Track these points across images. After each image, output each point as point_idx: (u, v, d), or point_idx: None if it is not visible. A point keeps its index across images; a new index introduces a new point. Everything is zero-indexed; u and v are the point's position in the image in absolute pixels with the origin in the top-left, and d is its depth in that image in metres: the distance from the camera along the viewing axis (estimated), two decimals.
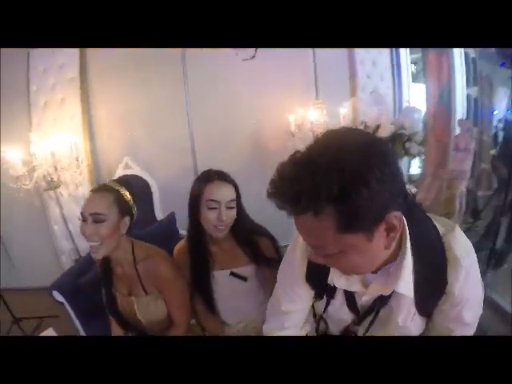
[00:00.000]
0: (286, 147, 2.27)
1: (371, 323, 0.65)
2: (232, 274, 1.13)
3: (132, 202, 1.01)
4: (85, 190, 2.23)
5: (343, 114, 2.01)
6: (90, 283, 1.54)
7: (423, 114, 1.89)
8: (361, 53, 2.52)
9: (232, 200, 1.05)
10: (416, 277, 0.55)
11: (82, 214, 0.94)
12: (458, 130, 2.32)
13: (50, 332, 1.28)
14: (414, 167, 2.66)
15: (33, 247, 2.39)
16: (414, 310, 0.61)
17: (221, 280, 1.13)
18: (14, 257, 2.41)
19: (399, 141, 1.82)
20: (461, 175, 1.59)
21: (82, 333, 1.61)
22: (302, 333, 0.79)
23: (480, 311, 0.63)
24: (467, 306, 0.59)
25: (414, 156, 1.87)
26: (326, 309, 0.70)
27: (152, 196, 2.04)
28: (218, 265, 1.13)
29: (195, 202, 1.06)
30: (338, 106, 2.19)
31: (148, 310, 1.05)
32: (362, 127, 1.97)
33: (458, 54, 2.27)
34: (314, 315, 0.78)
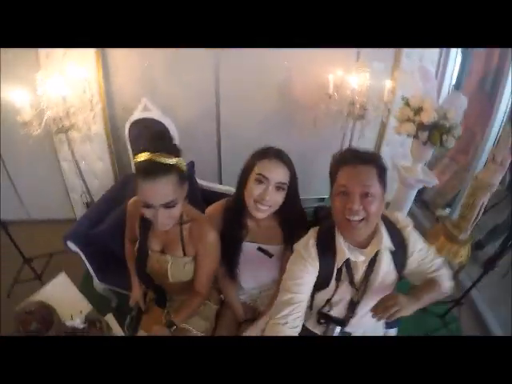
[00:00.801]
0: (320, 108, 2.14)
1: (365, 289, 0.94)
2: (260, 249, 1.16)
3: (185, 165, 0.96)
4: (98, 128, 2.08)
5: (388, 88, 1.84)
6: (105, 233, 1.55)
7: (467, 103, 1.74)
8: None
9: (282, 183, 1.03)
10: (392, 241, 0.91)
11: (145, 203, 0.89)
12: (495, 129, 2.21)
13: (62, 277, 1.31)
14: None
15: (42, 183, 2.33)
16: (392, 269, 0.94)
17: (246, 251, 1.16)
18: (21, 193, 2.37)
19: (438, 131, 1.71)
20: (488, 188, 1.55)
21: (96, 280, 1.67)
22: (295, 332, 0.92)
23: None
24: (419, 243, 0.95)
25: (447, 149, 1.79)
26: (334, 292, 0.95)
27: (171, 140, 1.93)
28: (249, 237, 1.16)
29: (245, 174, 1.06)
30: (379, 71, 2.00)
31: (181, 270, 1.07)
32: (401, 103, 1.84)
33: None
34: (310, 308, 1.01)
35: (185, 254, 1.06)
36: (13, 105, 1.52)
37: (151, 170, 0.85)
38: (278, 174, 1.02)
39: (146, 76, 2.11)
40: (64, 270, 1.32)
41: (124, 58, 2.06)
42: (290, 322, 0.90)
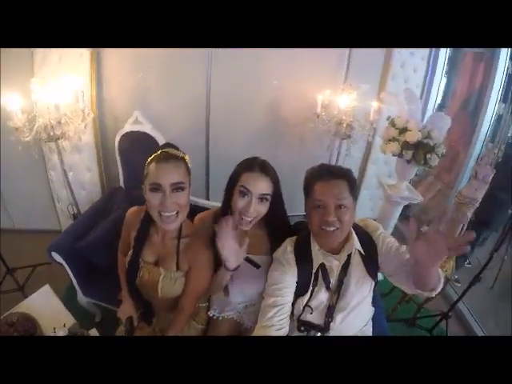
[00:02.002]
0: (308, 126, 2.19)
1: (339, 292, 1.01)
2: (247, 259, 1.15)
3: (189, 162, 1.02)
4: (88, 139, 2.08)
5: (374, 109, 1.90)
6: (90, 246, 1.54)
7: (450, 123, 1.81)
8: None
9: (265, 194, 1.05)
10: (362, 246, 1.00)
11: (155, 184, 0.92)
12: (478, 147, 2.29)
13: (46, 289, 1.29)
14: None
15: (29, 192, 2.29)
16: (364, 270, 1.01)
17: None
18: (7, 200, 2.33)
19: (422, 150, 1.77)
20: (471, 202, 1.60)
21: (80, 293, 1.64)
22: (282, 333, 0.98)
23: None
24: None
25: (431, 167, 1.85)
26: (310, 297, 1.02)
27: None
28: None
29: (231, 184, 1.09)
30: (366, 92, 2.07)
31: (172, 284, 1.06)
32: (387, 122, 1.90)
33: (501, 66, 2.13)
34: (292, 314, 1.05)
35: (178, 269, 1.06)
36: (4, 110, 1.51)
37: (166, 157, 0.94)
38: (260, 186, 1.03)
39: (138, 88, 2.13)
40: (47, 283, 1.30)
41: (117, 70, 2.08)
42: (275, 324, 0.96)
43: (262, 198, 1.04)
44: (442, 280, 0.91)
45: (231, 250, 1.00)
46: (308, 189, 0.99)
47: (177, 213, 0.96)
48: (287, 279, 1.00)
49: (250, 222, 1.06)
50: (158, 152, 0.96)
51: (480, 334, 1.96)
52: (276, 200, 1.09)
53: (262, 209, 1.06)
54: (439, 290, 0.90)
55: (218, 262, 1.07)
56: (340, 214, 0.92)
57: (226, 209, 1.11)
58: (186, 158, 1.00)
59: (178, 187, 0.93)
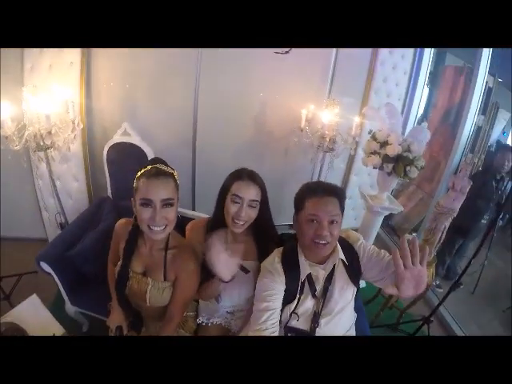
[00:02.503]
0: (293, 140, 2.26)
1: (324, 299, 1.07)
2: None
3: (178, 178, 1.06)
4: (76, 149, 2.09)
5: (357, 123, 1.97)
6: (79, 256, 1.55)
7: (429, 137, 1.89)
8: (384, 53, 2.43)
9: (255, 200, 1.14)
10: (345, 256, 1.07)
11: (145, 200, 0.95)
12: (457, 157, 2.39)
13: (33, 298, 1.29)
14: None
15: (15, 200, 2.28)
16: (347, 278, 1.08)
17: None
18: None
19: (402, 163, 1.85)
20: (449, 212, 1.67)
21: (68, 303, 1.64)
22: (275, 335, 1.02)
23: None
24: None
25: (410, 179, 1.93)
26: (297, 304, 1.07)
27: None
28: None
29: (223, 194, 1.18)
30: (348, 106, 2.16)
31: (160, 294, 1.10)
32: (368, 136, 1.97)
33: (480, 81, 2.24)
34: (280, 321, 1.08)
35: (165, 279, 1.10)
36: None
37: (155, 173, 0.98)
38: (250, 193, 1.13)
39: (126, 100, 2.16)
40: (33, 292, 1.31)
41: (107, 81, 2.11)
42: (269, 327, 1.02)
43: (251, 204, 1.14)
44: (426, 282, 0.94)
45: (223, 265, 1.06)
46: (301, 203, 1.04)
47: (165, 226, 1.00)
48: (277, 286, 1.06)
49: (242, 225, 1.15)
50: (149, 167, 1.00)
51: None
52: (263, 206, 1.18)
53: (252, 213, 1.16)
54: (422, 290, 0.93)
55: (208, 271, 1.11)
56: (332, 229, 0.99)
57: (219, 216, 1.19)
58: (175, 174, 1.04)
59: (167, 203, 0.97)
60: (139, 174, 1.00)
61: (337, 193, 1.04)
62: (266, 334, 1.01)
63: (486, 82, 2.34)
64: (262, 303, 1.04)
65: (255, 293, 1.09)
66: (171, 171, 1.02)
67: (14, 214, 2.33)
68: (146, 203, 0.96)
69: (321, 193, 1.02)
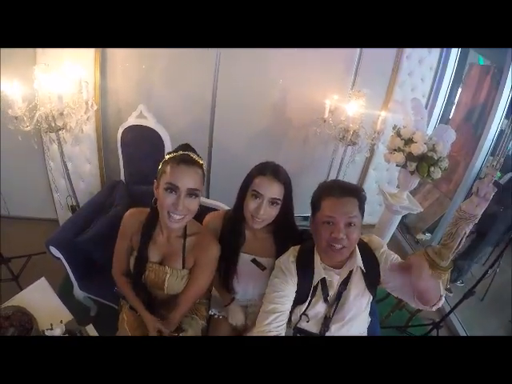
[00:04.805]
0: (313, 130, 2.18)
1: (337, 304, 1.02)
2: (254, 261, 1.19)
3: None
4: (89, 130, 2.04)
5: (382, 118, 1.89)
6: (90, 241, 1.52)
7: (455, 137, 1.81)
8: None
9: (276, 198, 1.08)
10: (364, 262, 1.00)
11: (171, 185, 0.92)
12: (480, 160, 2.30)
13: (42, 282, 1.27)
14: None
15: (26, 180, 2.25)
16: (363, 286, 1.01)
17: (241, 262, 1.19)
18: (3, 187, 2.27)
19: (426, 163, 1.77)
20: (470, 218, 1.61)
21: (77, 288, 1.62)
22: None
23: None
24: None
25: (433, 180, 1.85)
26: (308, 306, 1.03)
27: (164, 150, 1.88)
28: (245, 247, 1.19)
29: (244, 188, 1.11)
30: (372, 99, 2.07)
31: (178, 283, 1.08)
32: (392, 131, 1.89)
33: (509, 81, 2.13)
34: (290, 321, 1.06)
35: (183, 267, 1.08)
36: (5, 97, 1.46)
37: (187, 160, 0.95)
38: (272, 190, 1.06)
39: (143, 82, 2.09)
40: (42, 274, 1.28)
41: (122, 62, 2.03)
42: (272, 330, 0.97)
43: (272, 202, 1.07)
44: (443, 297, 0.92)
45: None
46: (318, 203, 0.98)
47: (184, 216, 0.97)
48: (288, 288, 1.01)
49: (261, 222, 1.10)
50: (180, 152, 0.97)
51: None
52: (286, 204, 1.11)
53: (273, 212, 1.09)
54: (440, 305, 0.92)
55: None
56: (349, 232, 0.92)
57: (239, 210, 1.13)
58: (205, 165, 1.00)
59: (193, 193, 0.95)
60: (168, 157, 0.97)
61: (356, 193, 0.96)
62: (270, 336, 0.97)
63: None
64: (270, 304, 1.00)
65: (266, 292, 1.05)
66: (202, 161, 0.99)
67: (25, 194, 2.31)
68: (172, 188, 0.93)
69: (338, 193, 0.94)
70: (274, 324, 0.98)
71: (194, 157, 0.97)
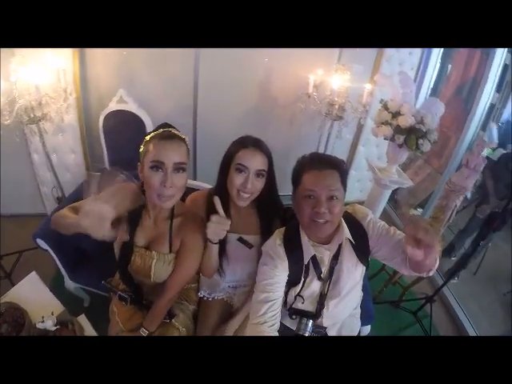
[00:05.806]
0: (299, 107, 2.13)
1: (331, 280, 1.00)
2: (240, 239, 1.17)
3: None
4: (71, 119, 1.99)
5: (368, 91, 1.85)
6: None
7: (443, 110, 1.78)
8: None
9: (262, 170, 1.05)
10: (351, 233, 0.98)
11: (156, 162, 0.89)
12: (470, 134, 2.28)
13: (33, 276, 1.26)
14: None
15: (11, 176, 2.18)
16: (355, 258, 1.00)
17: (228, 242, 1.16)
18: None
19: (414, 135, 1.75)
20: (461, 191, 1.59)
21: (67, 279, 1.61)
22: (275, 328, 0.96)
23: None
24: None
25: (422, 153, 1.83)
26: (302, 287, 1.00)
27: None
28: (230, 227, 1.12)
29: (226, 164, 1.08)
30: (359, 73, 2.02)
31: (165, 268, 1.06)
32: (380, 105, 1.86)
33: (498, 55, 2.08)
34: (285, 305, 1.04)
35: (170, 251, 1.05)
36: None
37: (169, 135, 0.93)
38: (257, 162, 1.04)
39: (123, 66, 2.03)
40: (34, 269, 1.27)
41: (103, 48, 1.97)
42: (268, 320, 0.94)
43: (258, 174, 1.05)
44: (438, 259, 0.87)
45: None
46: (298, 178, 0.95)
47: (174, 194, 0.94)
48: (278, 274, 0.98)
49: (248, 197, 1.07)
50: (160, 130, 0.94)
51: (462, 317, 2.02)
52: (270, 177, 1.09)
53: (259, 185, 1.07)
54: (436, 268, 0.88)
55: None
56: (331, 206, 0.89)
57: (222, 188, 1.10)
58: (187, 139, 0.98)
59: (179, 167, 0.92)
60: (149, 136, 0.94)
61: (336, 165, 0.93)
62: (265, 327, 0.94)
63: (503, 59, 2.18)
64: (262, 294, 0.97)
65: (256, 280, 1.02)
66: (184, 136, 0.97)
67: (12, 190, 2.25)
68: (157, 166, 0.90)
69: (318, 165, 0.91)
70: (269, 314, 0.95)
71: (176, 132, 0.95)
